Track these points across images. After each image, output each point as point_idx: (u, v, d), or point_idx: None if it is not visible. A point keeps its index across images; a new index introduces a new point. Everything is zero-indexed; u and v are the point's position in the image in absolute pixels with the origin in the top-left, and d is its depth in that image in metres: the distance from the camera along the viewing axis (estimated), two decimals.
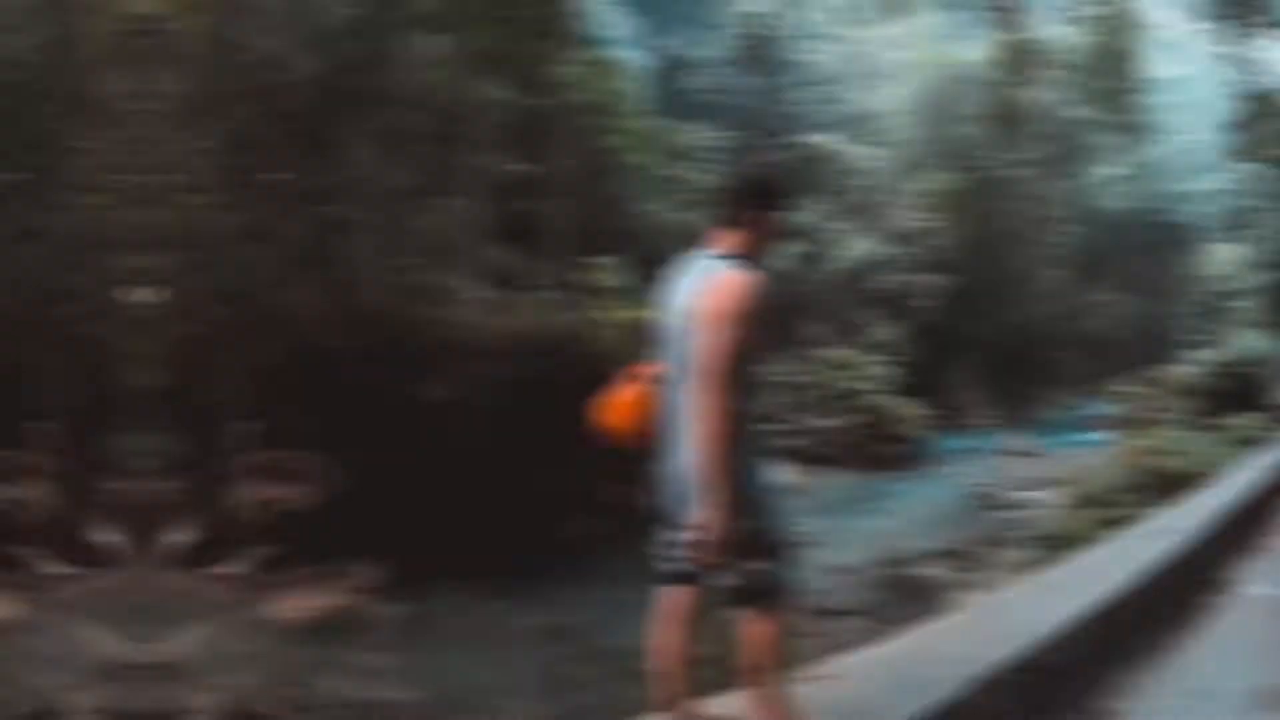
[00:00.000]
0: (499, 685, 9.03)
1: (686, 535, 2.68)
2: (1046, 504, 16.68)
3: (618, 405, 2.95)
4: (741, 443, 2.65)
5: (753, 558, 2.70)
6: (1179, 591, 5.98)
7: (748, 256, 2.80)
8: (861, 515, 17.69)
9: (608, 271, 20.62)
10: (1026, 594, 5.29)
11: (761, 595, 2.76)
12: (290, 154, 15.00)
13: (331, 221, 15.18)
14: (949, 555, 14.56)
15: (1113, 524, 10.20)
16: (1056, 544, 11.06)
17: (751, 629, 2.76)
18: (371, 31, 15.74)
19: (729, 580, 2.72)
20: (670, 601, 2.89)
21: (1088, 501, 12.72)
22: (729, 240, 2.83)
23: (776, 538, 2.81)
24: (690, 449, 2.66)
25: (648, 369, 2.94)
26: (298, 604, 11.36)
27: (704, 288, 2.70)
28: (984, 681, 3.38)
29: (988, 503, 18.83)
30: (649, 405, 2.87)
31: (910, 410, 24.48)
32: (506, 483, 13.90)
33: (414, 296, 15.90)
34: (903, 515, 17.23)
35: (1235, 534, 7.47)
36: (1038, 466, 23.00)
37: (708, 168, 33.62)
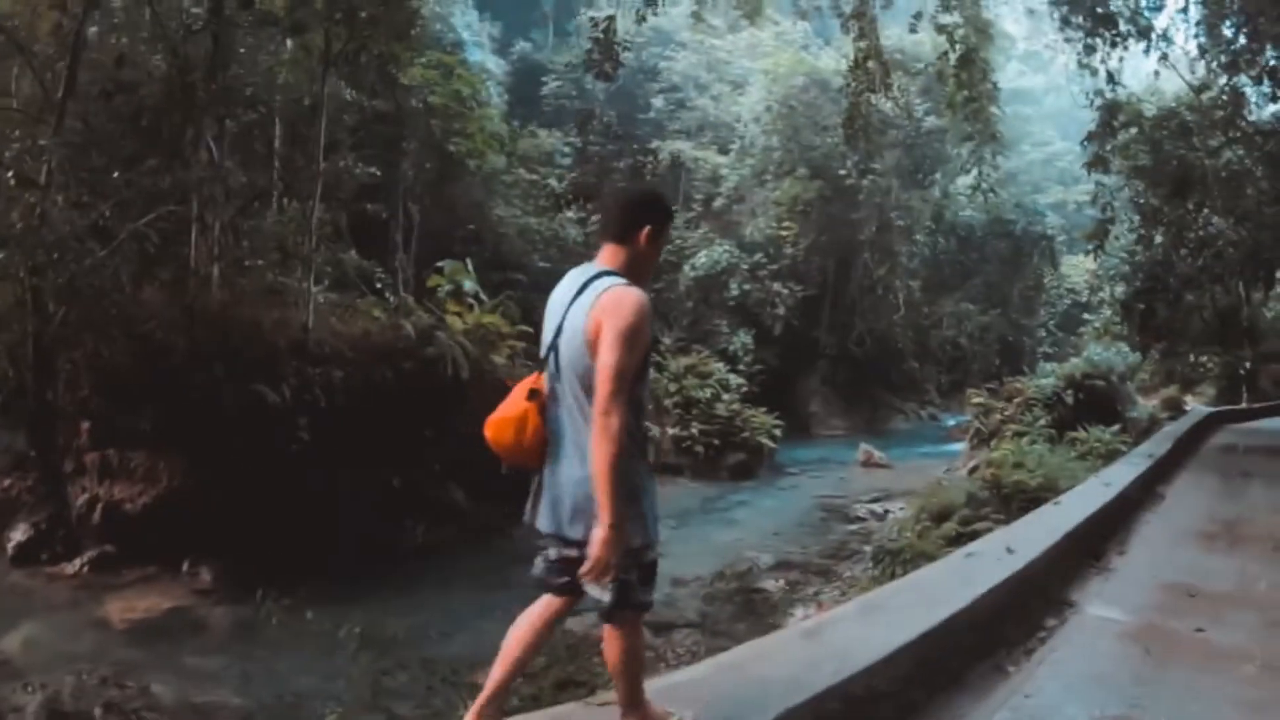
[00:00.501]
0: (322, 692, 8.78)
1: (570, 550, 2.81)
2: (892, 517, 16.46)
3: (503, 420, 2.92)
4: (635, 459, 2.76)
5: (630, 571, 2.79)
6: (1017, 613, 5.41)
7: (636, 273, 2.91)
8: (707, 526, 17.23)
9: (458, 275, 19.84)
10: (855, 614, 4.77)
11: (631, 607, 2.86)
12: (137, 153, 14.78)
13: (176, 222, 14.70)
14: (790, 568, 14.14)
15: (956, 540, 9.83)
16: (896, 560, 10.66)
17: (618, 641, 2.87)
18: (218, 31, 15.11)
19: (606, 594, 2.75)
20: (540, 611, 2.99)
21: (933, 516, 12.33)
22: (617, 256, 2.95)
23: (652, 554, 2.90)
24: (575, 463, 2.78)
25: (532, 383, 2.94)
26: (132, 605, 11.78)
27: (598, 305, 2.74)
28: (802, 712, 3.26)
29: (834, 515, 18.48)
30: (534, 420, 2.88)
31: (761, 419, 24.08)
32: (347, 486, 13.76)
33: (256, 298, 15.69)
34: (748, 526, 16.82)
35: (1080, 552, 6.99)
36: (888, 478, 22.94)
37: (560, 173, 33.39)
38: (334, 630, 9.49)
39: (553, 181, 33.05)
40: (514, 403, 2.92)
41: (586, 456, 2.73)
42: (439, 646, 10.27)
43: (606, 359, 2.67)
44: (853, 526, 17.03)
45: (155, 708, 8.61)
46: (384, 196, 24.24)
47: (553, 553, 2.95)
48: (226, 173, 15.46)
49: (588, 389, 2.77)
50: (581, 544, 2.75)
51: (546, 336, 2.96)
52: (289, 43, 17.60)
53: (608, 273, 2.90)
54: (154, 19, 15.14)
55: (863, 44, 19.23)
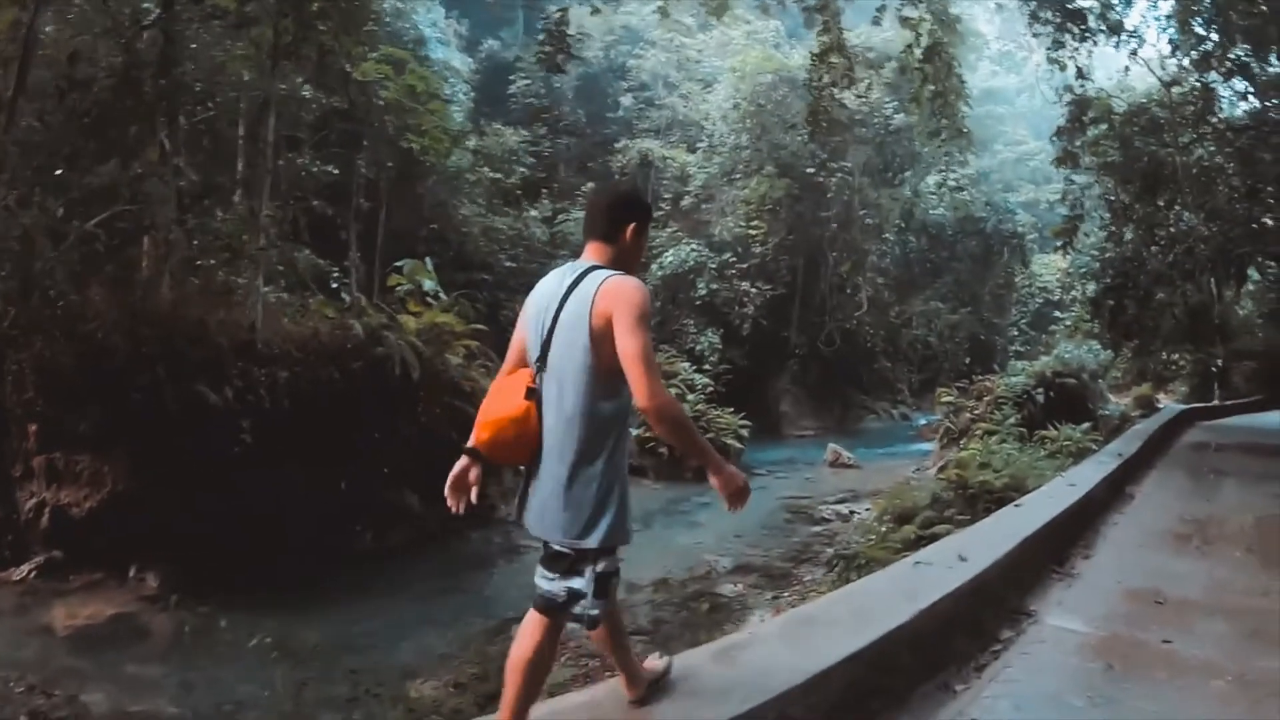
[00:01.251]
0: (262, 702, 8.59)
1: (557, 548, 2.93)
2: (858, 518, 16.09)
3: (503, 420, 2.92)
4: (621, 449, 2.89)
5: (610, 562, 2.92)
6: (969, 626, 5.00)
7: (624, 268, 2.98)
8: (669, 528, 16.80)
9: (418, 274, 19.53)
10: (779, 632, 4.37)
11: (567, 607, 2.93)
12: (88, 151, 14.44)
13: (127, 220, 14.33)
14: (750, 572, 13.70)
15: (915, 544, 9.42)
16: (851, 565, 10.25)
17: (530, 640, 2.93)
18: (168, 26, 14.79)
19: (572, 583, 2.88)
20: (537, 617, 2.97)
21: (896, 517, 11.94)
22: (605, 253, 3.01)
23: (616, 562, 2.96)
24: (554, 460, 2.85)
25: (528, 381, 2.93)
26: (76, 611, 11.44)
27: (601, 296, 2.79)
28: None
29: (799, 516, 18.06)
30: (534, 418, 2.89)
31: (727, 420, 23.64)
32: (293, 489, 13.28)
33: (205, 297, 15.17)
34: (710, 529, 16.36)
35: (1041, 558, 6.57)
36: (856, 479, 22.56)
37: (524, 171, 33.04)
38: (279, 637, 9.68)
39: (516, 180, 32.60)
40: (512, 402, 2.91)
41: (564, 454, 2.84)
42: (374, 655, 10.23)
43: (633, 346, 2.72)
44: (817, 528, 16.59)
45: (83, 716, 8.38)
46: (351, 194, 23.87)
47: (557, 566, 2.97)
48: (176, 171, 15.02)
49: (586, 382, 2.83)
50: (569, 546, 2.89)
51: (537, 334, 2.96)
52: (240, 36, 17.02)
53: (599, 267, 2.94)
54: (107, 14, 14.74)
55: (826, 37, 18.91)
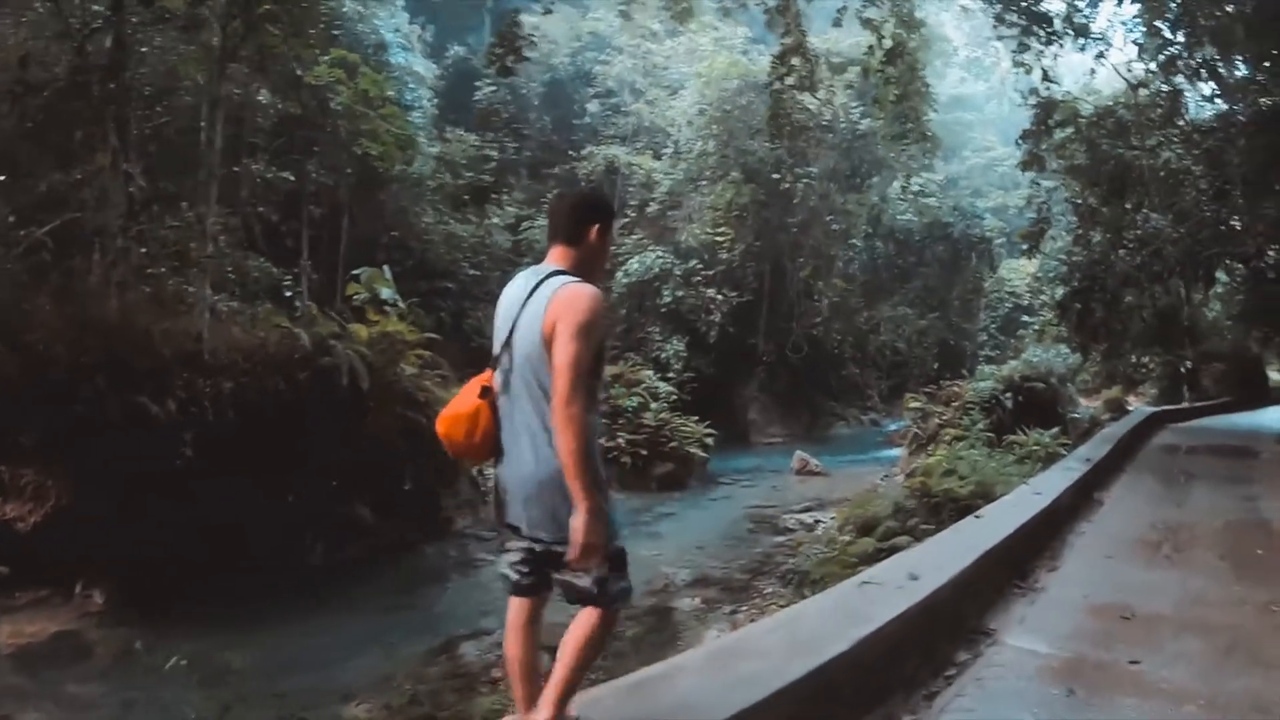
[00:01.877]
0: None
1: (529, 544, 2.95)
2: (822, 527, 15.69)
3: (455, 416, 3.01)
4: (595, 449, 2.86)
5: (601, 565, 2.88)
6: (919, 650, 4.60)
7: (589, 271, 3.06)
8: (629, 540, 16.21)
9: (376, 282, 19.19)
10: (703, 663, 3.94)
11: (611, 598, 2.95)
12: (34, 156, 14.60)
13: (76, 227, 14.24)
14: (708, 585, 13.28)
15: (873, 557, 9.02)
16: (806, 581, 9.86)
17: (586, 627, 2.92)
18: (118, 29, 14.39)
19: (580, 582, 2.89)
20: (515, 619, 3.04)
21: (858, 527, 11.57)
22: (568, 257, 3.06)
23: (617, 542, 2.97)
24: (527, 458, 2.89)
25: (484, 380, 3.03)
26: (21, 628, 10.99)
27: (554, 302, 2.84)
28: None
29: (763, 526, 17.65)
30: (485, 417, 2.96)
31: (691, 428, 23.20)
32: (239, 503, 12.77)
33: (153, 306, 14.83)
34: (671, 540, 15.97)
35: (1002, 572, 6.17)
36: (822, 486, 22.17)
37: (488, 177, 32.66)
38: (222, 655, 9.80)
39: (468, 182, 32.13)
40: (466, 399, 2.99)
41: (539, 451, 2.84)
42: (316, 674, 9.90)
43: (564, 353, 2.74)
44: (781, 538, 16.15)
45: None
46: (302, 200, 23.40)
47: (515, 551, 3.02)
48: (128, 177, 14.56)
49: (542, 384, 2.84)
50: (536, 539, 2.91)
51: (500, 334, 3.01)
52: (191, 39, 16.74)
53: (561, 272, 2.98)
54: (61, 17, 14.44)
55: (788, 39, 18.58)
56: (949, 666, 4.70)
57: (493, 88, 38.36)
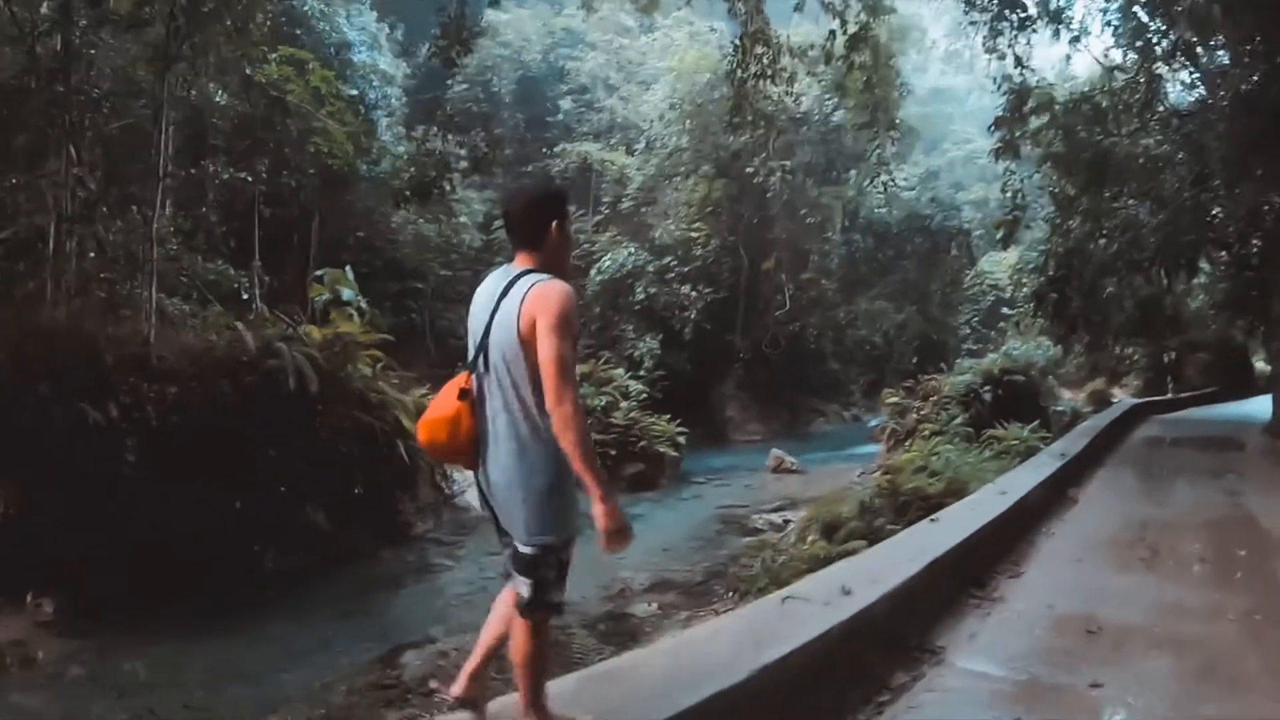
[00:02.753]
0: None
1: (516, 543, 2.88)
2: (792, 527, 15.11)
3: (436, 420, 2.97)
4: (561, 451, 2.81)
5: (549, 569, 2.89)
6: (847, 676, 4.02)
7: (555, 267, 3.02)
8: (590, 543, 15.61)
9: (339, 283, 18.81)
10: (574, 690, 3.40)
11: (545, 607, 2.93)
12: None
13: (22, 232, 14.19)
14: (667, 589, 12.73)
15: (826, 561, 8.41)
16: (753, 588, 9.29)
17: (525, 640, 2.93)
18: (65, 31, 14.22)
19: (522, 590, 2.88)
20: (504, 598, 3.05)
21: (823, 528, 10.99)
22: (533, 256, 3.02)
23: (568, 553, 2.98)
24: (508, 458, 2.86)
25: (463, 383, 2.97)
26: None
27: (528, 301, 2.81)
28: None
29: (731, 527, 17.11)
30: (466, 419, 2.92)
31: (663, 427, 22.64)
32: (186, 510, 12.45)
33: (101, 311, 14.75)
34: (636, 541, 15.23)
35: (955, 582, 5.59)
36: (797, 485, 21.60)
37: (453, 175, 32.23)
38: (171, 665, 9.72)
39: (444, 184, 31.50)
40: (446, 403, 2.96)
41: (524, 450, 2.83)
42: (255, 685, 9.56)
43: (548, 350, 2.73)
44: (749, 539, 15.52)
45: None
46: (254, 201, 22.88)
47: (504, 542, 2.99)
48: (79, 180, 14.41)
49: (517, 385, 2.83)
50: (521, 541, 2.86)
51: (474, 337, 2.99)
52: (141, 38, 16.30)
53: (530, 271, 2.94)
54: (14, 22, 14.14)
55: (751, 27, 18.00)
56: (882, 692, 4.11)
57: (465, 86, 37.86)
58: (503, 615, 3.07)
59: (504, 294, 2.90)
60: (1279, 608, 5.56)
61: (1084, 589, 6.05)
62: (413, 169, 22.56)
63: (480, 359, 2.94)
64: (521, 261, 3.02)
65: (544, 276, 2.89)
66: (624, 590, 12.53)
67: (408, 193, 22.31)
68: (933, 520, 6.84)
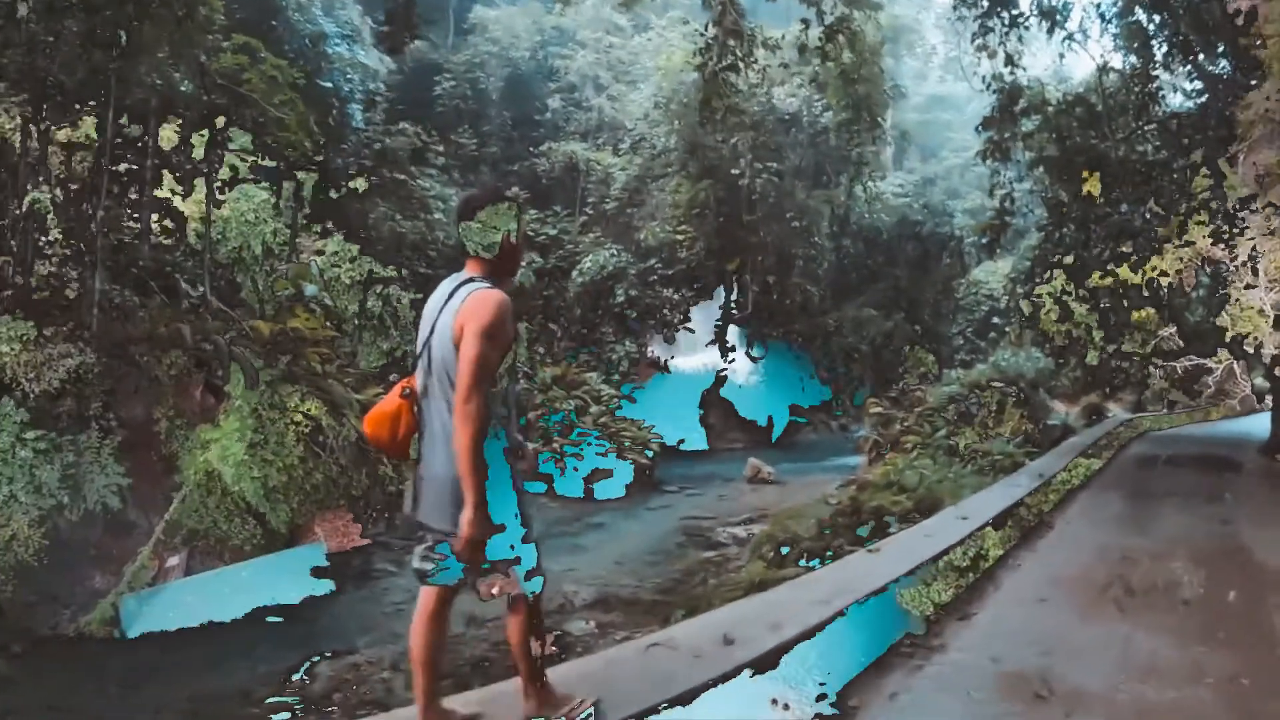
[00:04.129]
0: None
1: (449, 537, 2.93)
2: (754, 542, 14.34)
3: (378, 416, 3.09)
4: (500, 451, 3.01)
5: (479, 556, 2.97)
6: None
7: (502, 269, 3.17)
8: (547, 554, 14.93)
9: (303, 277, 18.62)
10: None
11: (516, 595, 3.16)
12: None
13: None
14: (611, 606, 12.19)
15: (758, 587, 7.57)
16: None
17: (514, 630, 3.20)
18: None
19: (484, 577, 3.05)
20: (425, 601, 3.10)
21: (777, 546, 10.15)
22: (481, 265, 3.14)
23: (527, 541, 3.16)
24: (444, 456, 2.95)
25: (407, 382, 3.11)
26: None
27: (463, 308, 2.95)
28: None
29: (694, 539, 16.37)
30: (407, 417, 3.06)
31: (640, 433, 21.87)
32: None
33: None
34: (592, 553, 14.96)
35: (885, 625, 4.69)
36: (772, 496, 20.77)
37: (433, 174, 31.74)
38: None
39: (423, 182, 30.72)
40: (390, 400, 3.09)
41: (449, 451, 2.91)
42: (158, 688, 10.19)
43: (469, 352, 2.86)
44: (710, 553, 14.94)
45: None
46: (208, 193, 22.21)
47: (425, 542, 3.04)
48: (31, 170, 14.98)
49: (450, 387, 2.96)
50: (449, 533, 2.92)
51: (420, 339, 3.10)
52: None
53: (473, 279, 3.07)
54: None
55: (726, 20, 17.32)
56: None
57: (453, 82, 37.28)
58: (425, 624, 3.09)
59: (448, 300, 3.03)
60: (1269, 669, 4.64)
61: (1041, 638, 5.12)
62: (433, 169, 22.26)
63: (423, 360, 3.07)
64: (471, 268, 3.13)
65: (484, 285, 3.02)
66: (563, 605, 12.09)
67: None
68: (871, 550, 5.93)
